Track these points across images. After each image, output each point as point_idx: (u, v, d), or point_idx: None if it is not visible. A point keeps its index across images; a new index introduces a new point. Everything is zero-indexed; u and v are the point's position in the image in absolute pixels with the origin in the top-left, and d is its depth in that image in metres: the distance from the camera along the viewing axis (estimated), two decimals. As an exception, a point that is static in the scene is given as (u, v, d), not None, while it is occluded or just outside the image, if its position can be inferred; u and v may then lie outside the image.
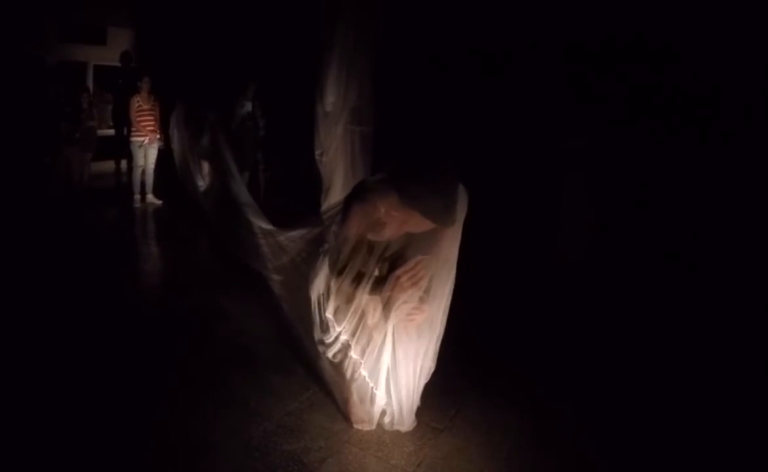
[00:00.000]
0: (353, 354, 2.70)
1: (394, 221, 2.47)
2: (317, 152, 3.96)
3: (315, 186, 4.06)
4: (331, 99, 3.87)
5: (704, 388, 3.56)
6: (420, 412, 2.95)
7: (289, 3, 7.47)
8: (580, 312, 4.70)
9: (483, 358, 3.79)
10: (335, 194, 3.91)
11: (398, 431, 2.89)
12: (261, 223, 4.66)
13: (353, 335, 2.67)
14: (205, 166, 7.40)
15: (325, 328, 2.71)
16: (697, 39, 5.33)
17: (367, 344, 2.69)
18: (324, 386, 3.11)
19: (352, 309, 2.62)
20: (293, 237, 3.78)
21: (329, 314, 2.68)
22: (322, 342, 2.75)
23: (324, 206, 3.76)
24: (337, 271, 2.60)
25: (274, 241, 4.20)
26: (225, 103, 7.64)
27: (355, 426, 2.89)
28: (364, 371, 2.73)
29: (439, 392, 3.06)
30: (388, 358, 2.73)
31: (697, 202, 5.35)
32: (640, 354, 3.98)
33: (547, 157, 5.86)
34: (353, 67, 3.79)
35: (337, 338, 2.69)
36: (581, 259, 5.53)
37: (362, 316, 2.64)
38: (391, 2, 3.86)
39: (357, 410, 2.88)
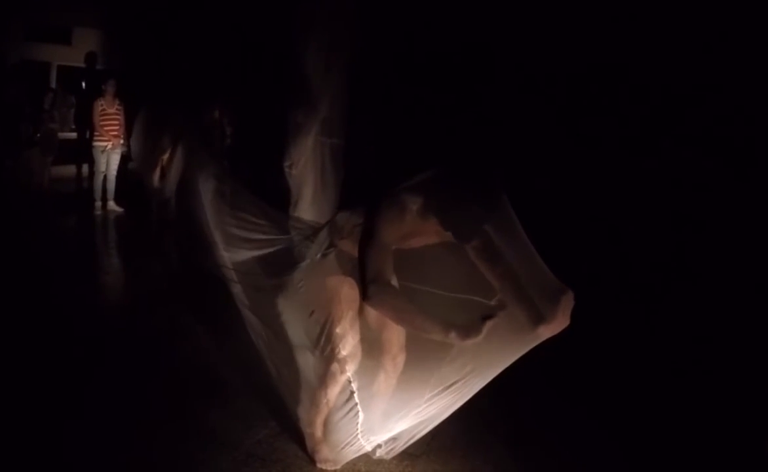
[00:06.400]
0: (349, 372, 2.56)
1: (417, 231, 2.30)
2: (286, 164, 3.85)
3: (283, 198, 3.94)
4: (302, 110, 3.79)
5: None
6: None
7: (262, 11, 7.34)
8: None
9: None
10: (304, 207, 3.82)
11: (370, 458, 2.78)
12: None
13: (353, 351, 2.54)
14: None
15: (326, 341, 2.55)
16: None
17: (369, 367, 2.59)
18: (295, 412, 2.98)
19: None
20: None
21: (338, 330, 2.52)
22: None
23: (293, 218, 3.61)
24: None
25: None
26: (192, 108, 7.45)
27: (319, 466, 2.73)
28: (354, 384, 2.58)
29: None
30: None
31: None
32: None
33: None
34: (326, 78, 3.71)
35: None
36: None
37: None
38: (366, 14, 3.79)
39: (322, 448, 2.74)
